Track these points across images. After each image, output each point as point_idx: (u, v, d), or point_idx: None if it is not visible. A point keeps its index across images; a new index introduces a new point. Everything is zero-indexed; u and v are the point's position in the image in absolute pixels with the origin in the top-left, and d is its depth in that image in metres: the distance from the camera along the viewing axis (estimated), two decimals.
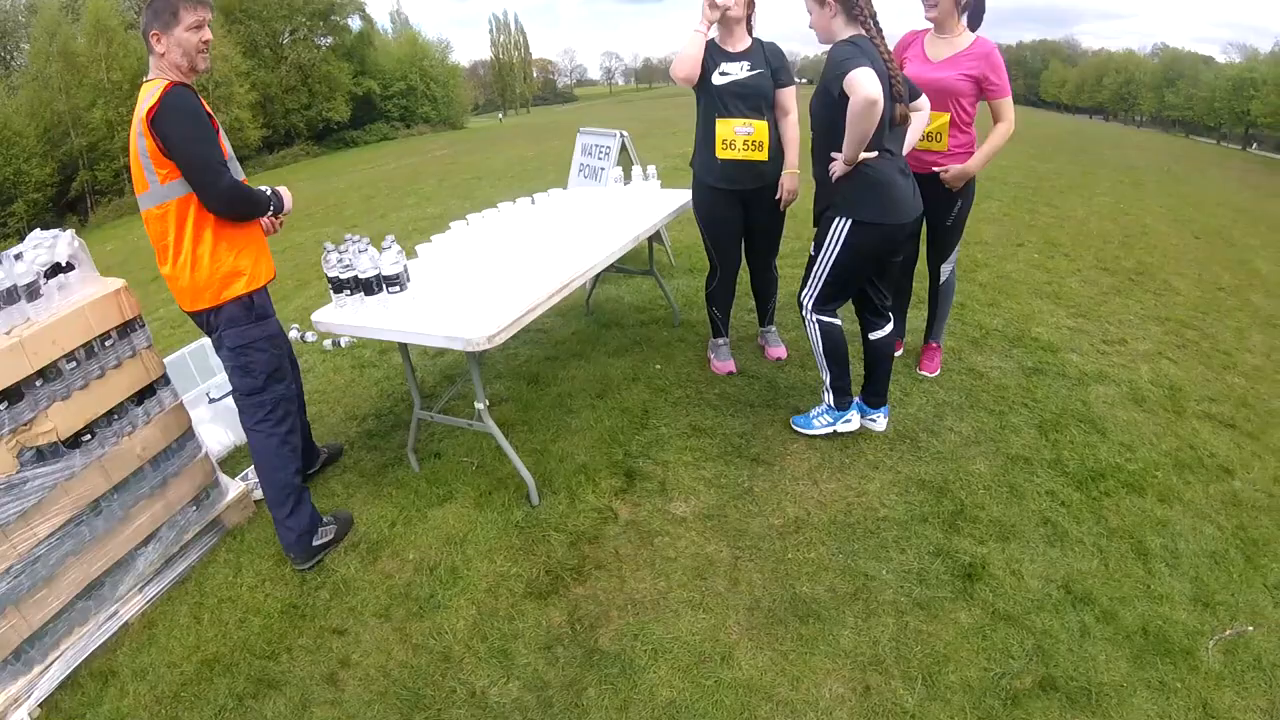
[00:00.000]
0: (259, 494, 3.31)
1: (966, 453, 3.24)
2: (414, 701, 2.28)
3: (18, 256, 2.61)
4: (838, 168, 2.89)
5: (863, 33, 2.79)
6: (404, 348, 3.09)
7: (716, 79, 3.40)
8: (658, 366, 4.13)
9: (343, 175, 20.95)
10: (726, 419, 3.59)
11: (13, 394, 2.44)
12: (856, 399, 3.39)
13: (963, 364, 4.05)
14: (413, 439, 3.40)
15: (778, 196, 3.64)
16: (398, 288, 2.87)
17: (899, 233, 2.99)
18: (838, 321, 3.21)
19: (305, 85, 43.18)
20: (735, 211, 3.66)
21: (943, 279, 3.75)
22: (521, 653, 2.40)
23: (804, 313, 3.22)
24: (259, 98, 39.17)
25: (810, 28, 2.92)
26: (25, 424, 2.48)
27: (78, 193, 31.80)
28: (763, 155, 3.47)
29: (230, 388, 3.01)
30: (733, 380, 3.96)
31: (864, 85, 2.53)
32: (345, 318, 2.87)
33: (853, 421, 3.36)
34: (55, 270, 2.64)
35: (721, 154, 3.49)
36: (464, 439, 3.56)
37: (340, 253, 2.85)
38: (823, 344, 3.21)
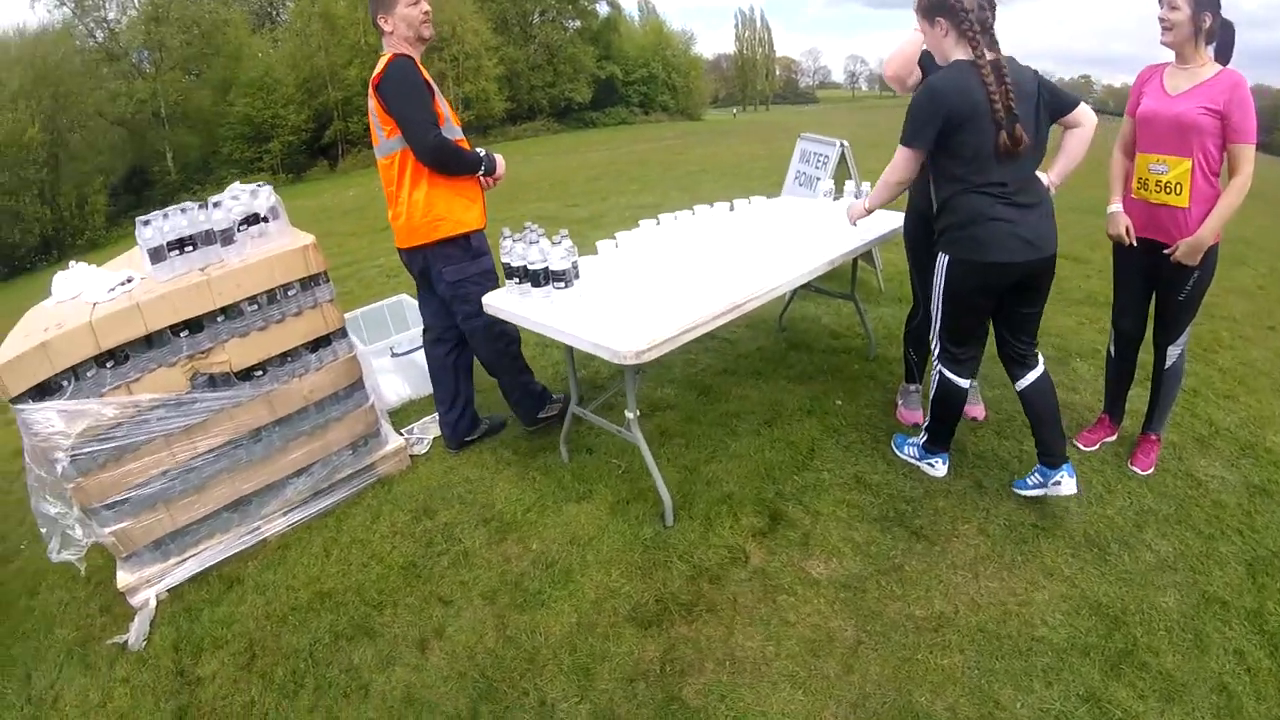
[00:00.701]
0: (419, 449, 3.69)
1: (1159, 579, 2.76)
2: (486, 692, 2.38)
3: (216, 204, 3.05)
4: (855, 211, 3.27)
5: (970, 54, 2.62)
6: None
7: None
8: (838, 402, 3.94)
9: (576, 154, 21.82)
10: (897, 478, 3.34)
11: (195, 325, 2.87)
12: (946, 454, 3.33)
13: (1181, 466, 3.44)
14: (566, 430, 3.51)
15: None
16: (563, 284, 2.93)
17: (997, 274, 2.74)
18: (962, 384, 3.04)
19: (551, 64, 45.38)
20: None
21: (1169, 362, 3.23)
22: (604, 677, 2.42)
23: (932, 358, 3.10)
24: (506, 72, 41.53)
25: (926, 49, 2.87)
26: (203, 352, 2.90)
27: (330, 140, 35.93)
28: None
29: (413, 345, 3.32)
30: (917, 433, 3.67)
31: (893, 164, 2.82)
32: (510, 304, 3.01)
33: (936, 468, 3.25)
34: (254, 220, 3.05)
35: None
36: (618, 440, 3.61)
37: (515, 241, 3.00)
38: (935, 392, 3.10)
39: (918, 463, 3.34)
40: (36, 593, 3.55)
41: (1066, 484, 2.95)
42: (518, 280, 3.02)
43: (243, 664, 2.75)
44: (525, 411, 3.77)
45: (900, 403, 3.85)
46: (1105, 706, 2.28)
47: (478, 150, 3.31)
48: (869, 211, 3.25)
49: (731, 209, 4.20)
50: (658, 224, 3.82)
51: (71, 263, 3.37)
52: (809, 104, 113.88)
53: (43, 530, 3.08)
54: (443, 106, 3.20)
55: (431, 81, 3.16)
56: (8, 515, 4.48)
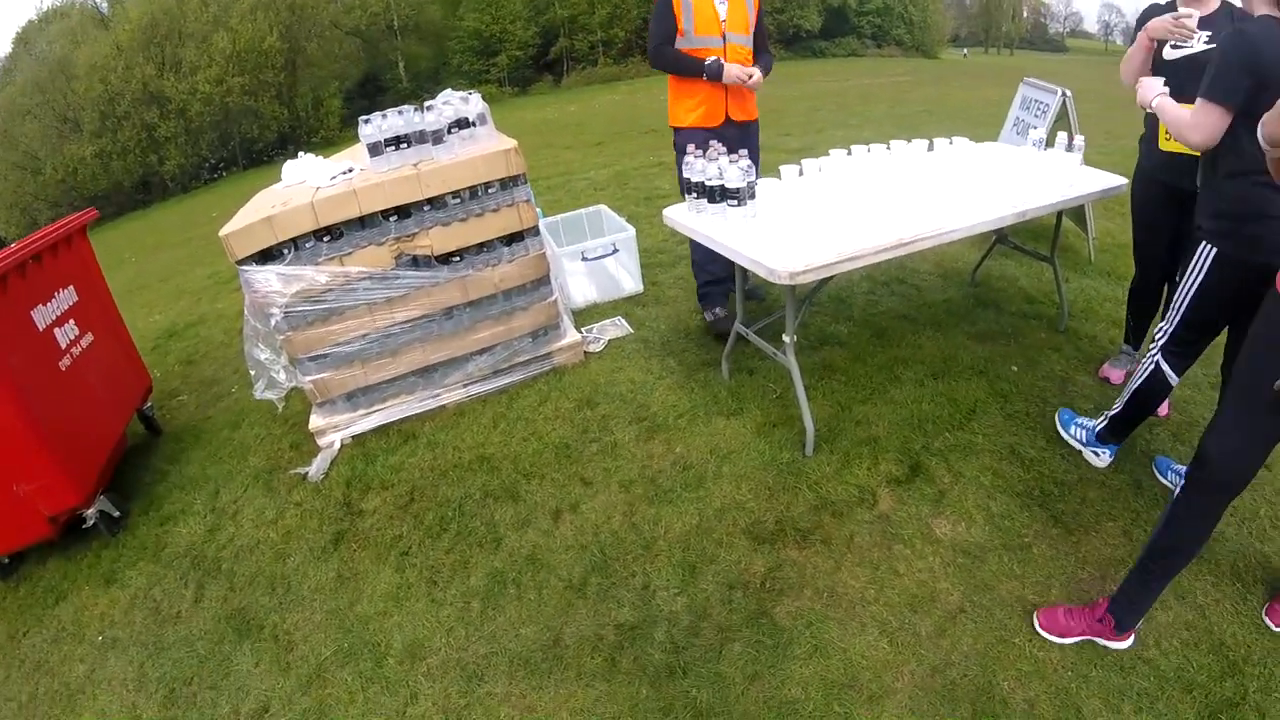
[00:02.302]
0: (594, 347, 4.20)
1: None
2: (601, 565, 2.77)
3: (429, 108, 3.56)
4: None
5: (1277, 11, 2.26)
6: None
7: (1168, 52, 2.96)
8: (1014, 368, 3.90)
9: (799, 84, 21.41)
10: (1054, 458, 3.24)
11: (403, 211, 3.42)
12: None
13: None
14: (729, 347, 3.78)
15: None
16: (736, 202, 3.15)
17: (1265, 279, 2.31)
18: (1173, 381, 2.82)
19: None
20: (1168, 214, 3.24)
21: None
22: (706, 578, 2.70)
23: (1151, 345, 2.85)
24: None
25: None
26: (408, 236, 3.46)
27: (555, 56, 37.22)
28: None
29: (604, 251, 3.85)
30: (1089, 412, 3.51)
31: (1195, 122, 2.43)
32: (684, 217, 3.32)
33: (1101, 458, 3.09)
34: (463, 124, 3.55)
35: (1164, 144, 3.08)
36: (779, 365, 3.80)
37: (697, 157, 3.25)
38: (1141, 382, 2.88)
39: (1082, 447, 3.20)
40: (238, 427, 4.40)
41: (1102, 459, 3.03)
42: (695, 195, 3.29)
43: (401, 505, 3.31)
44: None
45: (1108, 362, 3.78)
46: None
47: (696, 59, 3.90)
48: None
49: (930, 148, 4.19)
50: (848, 154, 3.92)
51: (301, 153, 4.00)
52: (1058, 52, 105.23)
53: (251, 373, 3.82)
54: (685, 20, 3.91)
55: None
56: (225, 364, 5.45)
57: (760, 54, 4.14)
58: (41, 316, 3.52)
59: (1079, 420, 3.24)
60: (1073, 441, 3.22)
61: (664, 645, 2.47)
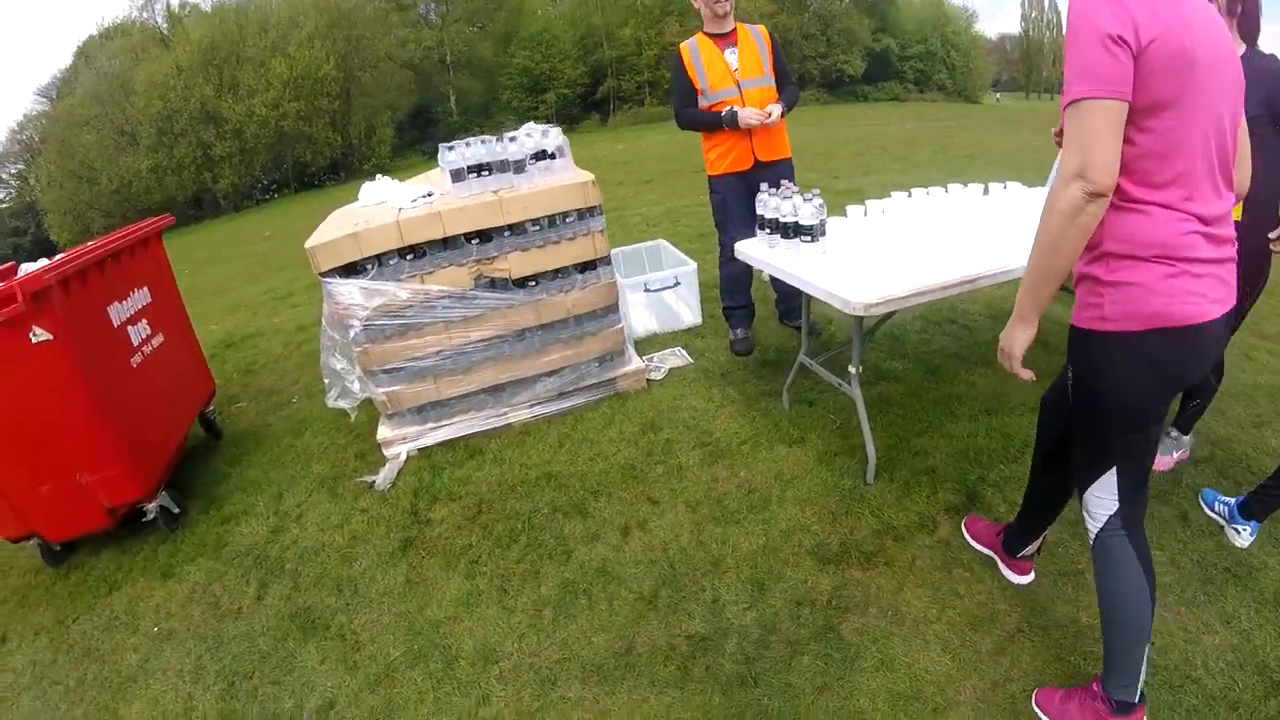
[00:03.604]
0: (656, 376, 4.33)
1: None
2: (670, 580, 2.84)
3: (512, 139, 3.74)
4: None
5: None
6: (806, 294, 3.49)
7: None
8: None
9: (843, 126, 21.65)
10: None
11: (484, 235, 3.59)
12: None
13: None
14: (790, 378, 3.87)
15: None
16: (809, 238, 3.27)
17: None
18: None
19: (824, 34, 44.59)
20: None
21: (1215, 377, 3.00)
22: (775, 594, 2.77)
23: None
24: (780, 40, 41.14)
25: None
26: (488, 259, 3.63)
27: (602, 96, 38.09)
28: None
29: (663, 285, 4.37)
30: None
31: None
32: (759, 251, 3.45)
33: (1242, 536, 2.92)
34: (541, 155, 3.72)
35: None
36: (839, 397, 3.91)
37: (770, 195, 3.40)
38: None
39: (1227, 525, 2.98)
40: (300, 435, 4.54)
41: (1242, 537, 2.88)
42: (769, 230, 3.42)
43: (469, 516, 3.41)
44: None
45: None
46: None
47: (714, 113, 4.18)
48: None
49: (985, 192, 4.30)
50: (909, 196, 4.04)
51: (378, 176, 4.20)
52: None
53: (325, 381, 3.95)
54: (700, 79, 4.22)
55: (698, 56, 4.23)
56: (284, 375, 5.63)
57: (783, 88, 4.35)
58: (117, 313, 3.66)
59: (1224, 496, 3.09)
60: (1219, 522, 3.05)
61: (735, 656, 2.54)
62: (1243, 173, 1.95)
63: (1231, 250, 1.84)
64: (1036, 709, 2.36)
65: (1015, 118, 30.36)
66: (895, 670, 2.45)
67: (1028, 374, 2.07)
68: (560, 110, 36.69)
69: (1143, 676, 2.15)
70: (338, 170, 30.51)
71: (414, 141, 33.73)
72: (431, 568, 3.17)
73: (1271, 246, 2.81)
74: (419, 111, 35.72)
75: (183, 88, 28.85)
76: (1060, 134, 1.88)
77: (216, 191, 29.38)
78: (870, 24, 47.25)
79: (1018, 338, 2.02)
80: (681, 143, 20.49)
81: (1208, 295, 1.79)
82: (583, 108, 38.20)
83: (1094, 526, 2.16)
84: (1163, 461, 3.30)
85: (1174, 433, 3.33)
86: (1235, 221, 1.89)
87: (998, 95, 75.76)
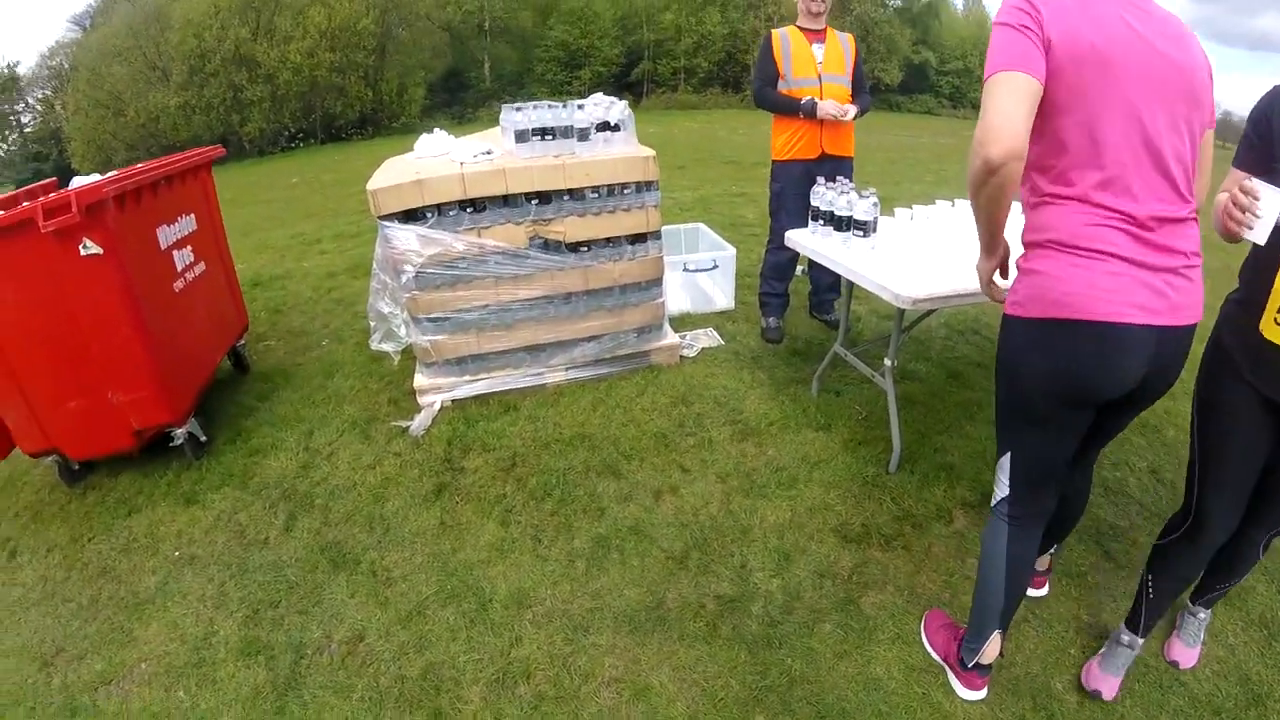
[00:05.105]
0: (688, 353, 4.44)
1: None
2: (699, 543, 2.98)
3: (580, 106, 3.89)
4: None
5: None
6: (849, 286, 3.60)
7: None
8: None
9: (876, 135, 21.52)
10: (1109, 505, 3.37)
11: (544, 197, 3.70)
12: None
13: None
14: (823, 367, 3.99)
15: None
16: (861, 233, 3.39)
17: None
18: None
19: (864, 40, 43.91)
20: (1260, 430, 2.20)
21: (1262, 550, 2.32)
22: (799, 565, 2.90)
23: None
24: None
25: None
26: (545, 220, 3.74)
27: (637, 78, 37.67)
28: None
29: (700, 266, 4.58)
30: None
31: None
32: (811, 242, 3.56)
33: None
34: (605, 126, 3.85)
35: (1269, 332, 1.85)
36: (865, 391, 4.03)
37: (827, 189, 3.54)
38: None
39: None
40: (331, 376, 4.61)
41: None
42: (822, 223, 3.54)
43: (503, 468, 3.52)
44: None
45: (1174, 636, 2.68)
46: None
47: (792, 99, 4.34)
48: None
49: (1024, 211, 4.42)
50: (952, 205, 4.13)
51: (436, 129, 4.29)
52: None
53: (372, 324, 4.02)
54: (784, 64, 4.37)
55: (779, 48, 4.41)
56: (314, 318, 5.72)
57: (858, 94, 4.49)
58: (165, 236, 3.67)
59: None
60: None
61: (760, 618, 2.67)
62: (1199, 184, 1.89)
63: (1181, 261, 1.76)
64: (924, 619, 2.64)
65: None
66: (910, 645, 2.58)
67: (1000, 294, 2.11)
68: (594, 87, 35.83)
69: (986, 656, 2.31)
70: (365, 125, 30.35)
71: (443, 104, 33.58)
72: (465, 513, 3.27)
73: None
74: (451, 75, 35.50)
75: (219, 28, 28.64)
76: None
77: (243, 134, 29.20)
78: (911, 35, 46.89)
79: (981, 267, 2.15)
80: (714, 133, 20.57)
81: (1124, 297, 1.73)
82: (616, 88, 37.95)
83: (993, 501, 2.25)
84: (1185, 657, 2.59)
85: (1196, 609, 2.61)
86: None
87: None
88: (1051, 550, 2.71)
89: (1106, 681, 2.41)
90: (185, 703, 2.51)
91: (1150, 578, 2.35)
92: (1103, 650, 2.50)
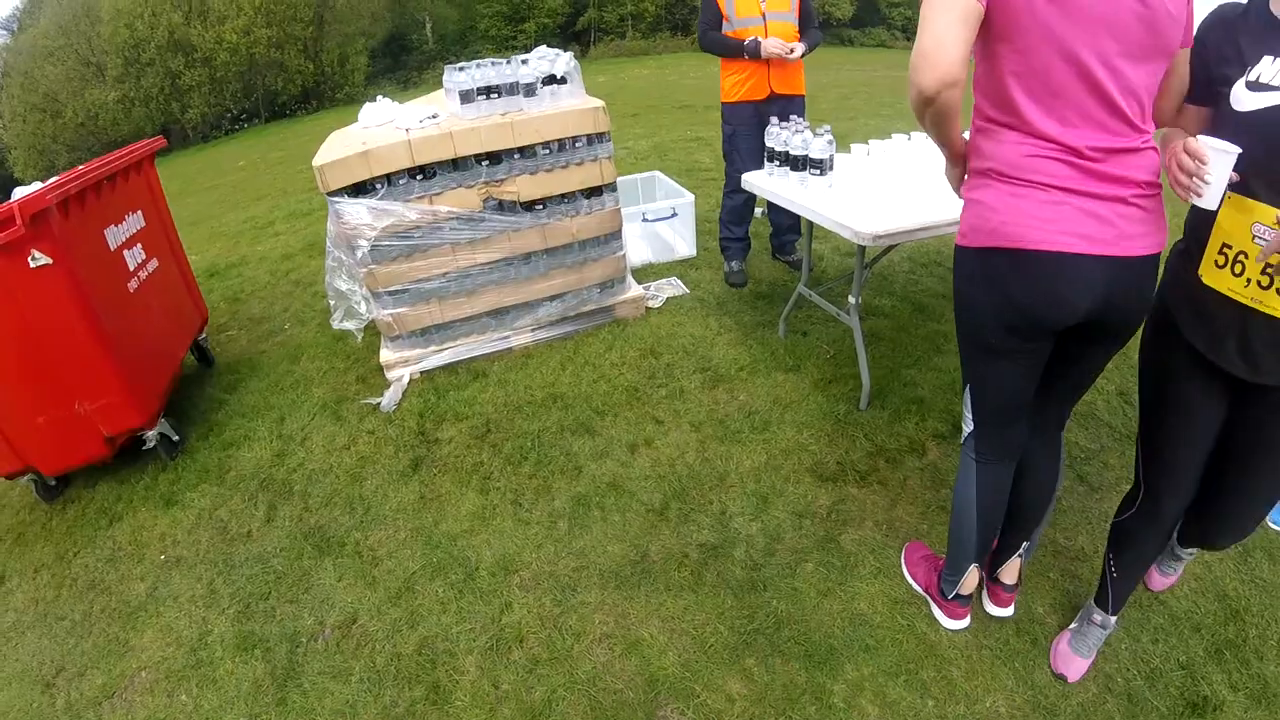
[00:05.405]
0: (654, 304, 4.43)
1: None
2: (678, 493, 3.01)
3: (524, 61, 3.79)
4: None
5: None
6: (809, 226, 3.59)
7: (1245, 96, 1.60)
8: None
9: (829, 72, 21.39)
10: (1080, 428, 3.41)
11: (494, 158, 3.63)
12: None
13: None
14: (788, 308, 4.00)
15: None
16: (818, 172, 3.36)
17: None
18: None
19: None
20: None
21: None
22: (777, 506, 2.93)
23: None
24: None
25: None
26: (497, 181, 3.67)
27: (583, 27, 36.79)
28: None
29: (659, 215, 4.48)
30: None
31: None
32: (768, 183, 3.53)
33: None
34: (551, 80, 3.76)
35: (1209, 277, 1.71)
36: (831, 330, 4.06)
37: (781, 129, 3.50)
38: None
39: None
40: (297, 361, 4.58)
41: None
42: (778, 163, 3.52)
43: (478, 435, 3.52)
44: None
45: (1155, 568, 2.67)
46: (1198, 680, 2.37)
47: (736, 40, 4.26)
48: None
49: None
50: (909, 139, 4.12)
51: (379, 97, 4.19)
52: None
53: (331, 302, 3.97)
54: (727, 6, 4.29)
55: None
56: (273, 303, 5.65)
57: (806, 30, 4.42)
58: (113, 237, 3.59)
59: None
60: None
61: (743, 563, 2.70)
62: (1166, 106, 1.79)
63: (1132, 191, 1.69)
64: (904, 552, 2.68)
65: None
66: (891, 578, 2.63)
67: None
68: (539, 41, 34.94)
69: (965, 587, 2.35)
70: (309, 99, 29.68)
71: (387, 70, 32.90)
72: (444, 484, 3.27)
73: None
74: (392, 39, 34.72)
75: (150, 15, 27.71)
76: None
77: (185, 122, 28.50)
78: None
79: (948, 174, 2.12)
80: (665, 79, 20.33)
81: (1063, 226, 1.69)
82: (562, 39, 37.22)
83: (961, 437, 2.23)
84: (1160, 581, 2.64)
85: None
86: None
87: None
88: (1020, 551, 2.44)
89: (1074, 664, 2.32)
90: (189, 705, 2.52)
91: (1111, 556, 2.24)
92: (1073, 626, 2.40)
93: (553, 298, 4.07)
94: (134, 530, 3.34)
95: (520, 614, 2.61)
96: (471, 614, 2.64)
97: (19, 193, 3.49)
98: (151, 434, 3.58)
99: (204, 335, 4.70)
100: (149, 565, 3.13)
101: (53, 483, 3.60)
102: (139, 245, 3.86)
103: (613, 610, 2.59)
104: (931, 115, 1.69)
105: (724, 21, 4.34)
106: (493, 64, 3.79)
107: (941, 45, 1.58)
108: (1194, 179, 1.57)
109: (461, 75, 3.74)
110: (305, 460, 3.59)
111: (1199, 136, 1.57)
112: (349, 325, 3.96)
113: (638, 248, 5.07)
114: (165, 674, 2.64)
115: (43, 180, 3.61)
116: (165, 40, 27.80)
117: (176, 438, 3.77)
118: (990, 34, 1.66)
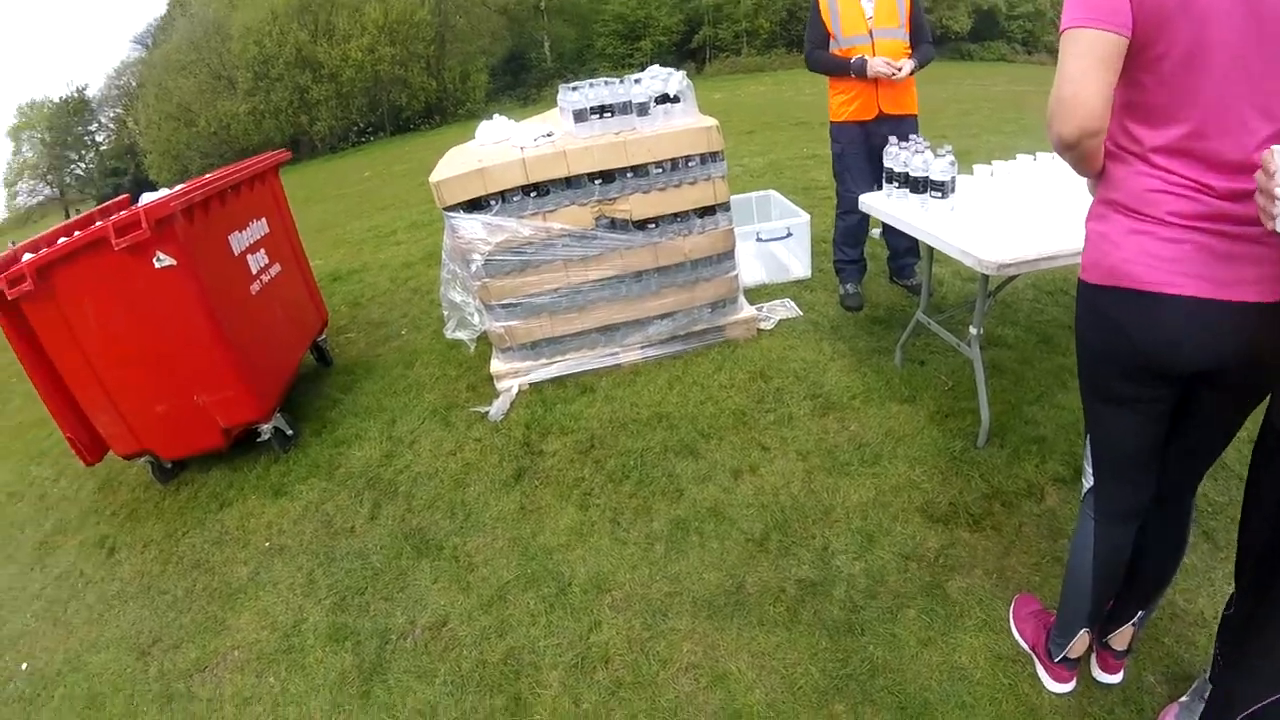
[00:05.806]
0: (766, 325, 4.38)
1: None
2: (781, 524, 2.92)
3: (637, 81, 3.82)
4: None
5: None
6: (929, 250, 3.47)
7: None
8: None
9: (948, 86, 20.75)
10: (1214, 488, 3.07)
11: (607, 176, 3.66)
12: None
13: None
14: (905, 335, 3.86)
15: None
16: (940, 194, 3.23)
17: None
18: None
19: None
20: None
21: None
22: (883, 546, 2.81)
23: None
24: None
25: None
26: (609, 199, 3.70)
27: (698, 44, 36.92)
28: None
29: (774, 235, 4.44)
30: None
31: None
32: (886, 205, 3.42)
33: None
34: (664, 99, 3.77)
35: None
36: (950, 361, 3.89)
37: (901, 149, 3.39)
38: None
39: None
40: (411, 366, 4.73)
41: None
42: (897, 185, 3.41)
43: (581, 450, 3.54)
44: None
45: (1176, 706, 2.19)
46: None
47: (843, 59, 4.18)
48: None
49: None
50: (1034, 160, 3.95)
51: (495, 115, 4.31)
52: None
53: (445, 313, 4.11)
54: (834, 24, 4.21)
55: (834, 1, 4.20)
56: (392, 308, 5.84)
57: (918, 46, 4.28)
58: (237, 242, 3.84)
59: None
60: None
61: (842, 603, 2.60)
62: None
63: (1259, 229, 1.39)
64: (1013, 605, 2.51)
65: None
66: (997, 632, 2.46)
67: None
68: (655, 59, 35.72)
69: (1074, 650, 2.18)
70: (432, 115, 30.84)
71: (507, 87, 33.87)
72: (544, 497, 3.30)
73: None
74: (512, 58, 35.68)
75: (278, 33, 29.30)
76: None
77: (313, 134, 30.00)
78: None
79: (1090, 188, 1.80)
80: (780, 95, 20.22)
81: (1177, 265, 1.53)
82: (678, 56, 37.47)
83: (1082, 491, 2.07)
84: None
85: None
86: None
87: None
88: (1135, 620, 2.19)
89: None
90: (275, 687, 2.62)
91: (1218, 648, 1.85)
92: (1183, 700, 2.13)
93: (663, 316, 4.06)
94: (242, 516, 3.52)
95: (609, 634, 2.59)
96: (560, 629, 2.64)
97: (147, 197, 3.82)
98: (266, 427, 3.79)
99: (324, 336, 4.92)
100: (253, 550, 3.29)
101: (169, 466, 3.84)
102: (262, 250, 4.09)
103: (702, 640, 2.53)
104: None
105: (831, 39, 4.26)
106: (606, 83, 3.85)
107: (1081, 91, 1.46)
108: (1277, 202, 1.26)
109: (575, 95, 3.80)
110: (412, 462, 3.69)
111: (1273, 146, 1.28)
112: (461, 335, 4.07)
113: (751, 267, 5.01)
114: (256, 655, 2.76)
115: (179, 181, 3.86)
116: (293, 57, 29.33)
117: (290, 432, 3.96)
118: (1129, 64, 1.49)
